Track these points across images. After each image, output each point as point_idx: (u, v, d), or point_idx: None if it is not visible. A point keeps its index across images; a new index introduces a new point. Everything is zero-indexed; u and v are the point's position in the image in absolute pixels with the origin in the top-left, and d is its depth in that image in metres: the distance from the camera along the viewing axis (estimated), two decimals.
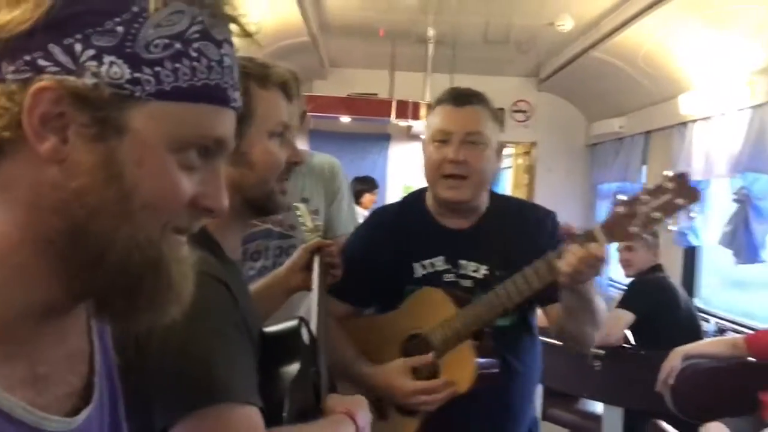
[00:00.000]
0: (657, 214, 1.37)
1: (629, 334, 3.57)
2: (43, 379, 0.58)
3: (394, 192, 6.63)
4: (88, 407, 0.63)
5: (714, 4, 3.50)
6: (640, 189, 1.41)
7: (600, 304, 1.56)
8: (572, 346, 1.70)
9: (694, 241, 4.26)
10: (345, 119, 5.89)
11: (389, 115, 5.41)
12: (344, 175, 2.25)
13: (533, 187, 6.57)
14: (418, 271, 1.68)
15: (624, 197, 1.41)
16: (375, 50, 5.85)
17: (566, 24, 4.61)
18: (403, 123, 5.80)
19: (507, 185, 7.65)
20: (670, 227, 1.38)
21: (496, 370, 1.60)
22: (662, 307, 3.35)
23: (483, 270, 1.66)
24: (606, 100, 5.72)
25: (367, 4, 4.69)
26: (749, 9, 3.33)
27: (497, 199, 1.77)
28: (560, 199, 5.85)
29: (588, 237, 1.40)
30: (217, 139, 0.60)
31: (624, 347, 3.49)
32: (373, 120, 6.03)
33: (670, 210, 1.36)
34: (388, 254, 1.68)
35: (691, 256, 4.52)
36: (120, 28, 0.54)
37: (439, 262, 1.68)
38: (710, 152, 4.11)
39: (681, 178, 1.37)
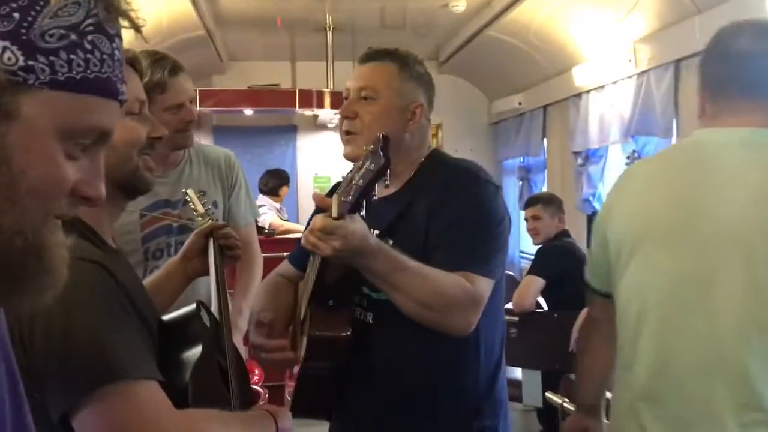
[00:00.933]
0: (360, 182, 1.26)
1: (541, 299, 3.69)
2: None
3: (305, 183, 6.59)
4: None
5: None
6: None
7: (402, 276, 1.38)
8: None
9: (597, 207, 4.44)
10: (248, 112, 5.80)
11: (294, 106, 5.37)
12: (240, 166, 2.25)
13: None
14: None
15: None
16: (274, 41, 5.78)
17: (459, 5, 4.69)
18: (308, 112, 5.76)
19: None
20: (374, 196, 1.29)
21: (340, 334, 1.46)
22: (569, 270, 3.42)
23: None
24: (505, 78, 5.86)
25: None
26: None
27: (431, 166, 1.61)
28: None
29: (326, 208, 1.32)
30: (103, 131, 0.60)
31: (537, 312, 3.61)
32: (278, 111, 5.96)
33: (366, 176, 1.25)
34: None
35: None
36: (16, 14, 0.54)
37: None
38: (604, 120, 4.30)
39: (373, 145, 1.26)
